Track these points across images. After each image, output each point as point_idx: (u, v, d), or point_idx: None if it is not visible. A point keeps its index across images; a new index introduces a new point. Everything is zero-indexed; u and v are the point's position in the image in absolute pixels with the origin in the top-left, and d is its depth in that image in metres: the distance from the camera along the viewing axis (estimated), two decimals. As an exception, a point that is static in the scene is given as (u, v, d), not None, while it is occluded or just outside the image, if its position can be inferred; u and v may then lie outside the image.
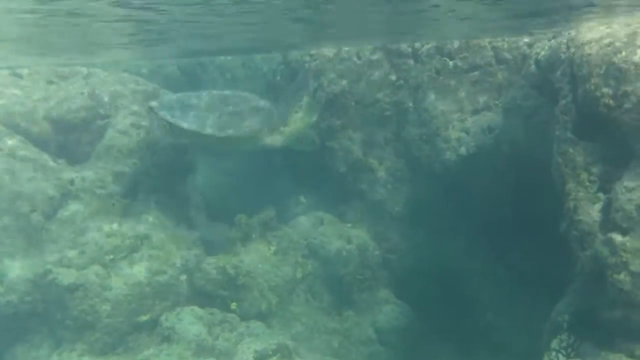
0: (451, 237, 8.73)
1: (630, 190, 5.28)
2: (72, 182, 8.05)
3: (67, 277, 7.48)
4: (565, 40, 6.32)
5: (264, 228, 8.94)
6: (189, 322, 7.51)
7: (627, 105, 5.33)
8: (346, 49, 9.36)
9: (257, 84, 10.80)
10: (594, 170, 5.71)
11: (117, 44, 7.75)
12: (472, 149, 8.27)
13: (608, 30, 5.72)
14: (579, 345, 5.81)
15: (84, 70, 9.12)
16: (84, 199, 8.00)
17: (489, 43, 8.50)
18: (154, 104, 8.30)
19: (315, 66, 9.38)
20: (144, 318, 7.71)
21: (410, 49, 9.01)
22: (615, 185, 5.45)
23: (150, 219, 8.35)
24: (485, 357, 7.70)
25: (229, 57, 11.12)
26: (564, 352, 5.86)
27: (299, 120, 8.60)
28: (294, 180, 9.75)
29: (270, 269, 8.56)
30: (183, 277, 8.09)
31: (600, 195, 5.64)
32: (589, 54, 5.65)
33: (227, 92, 8.76)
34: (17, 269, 7.49)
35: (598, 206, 5.61)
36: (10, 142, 8.00)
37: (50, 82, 8.88)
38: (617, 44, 5.50)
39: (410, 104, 9.07)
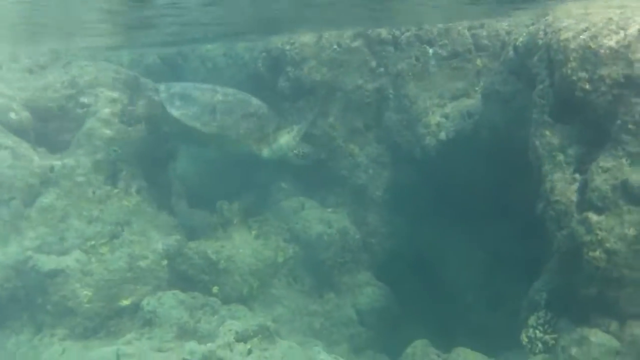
0: (431, 220, 8.81)
1: (605, 170, 5.40)
2: (52, 169, 8.03)
3: (47, 263, 7.47)
4: (542, 27, 6.44)
5: (245, 214, 8.99)
6: (171, 305, 7.53)
7: (602, 89, 5.46)
8: (326, 36, 9.40)
9: (239, 73, 10.81)
10: (571, 152, 5.83)
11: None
12: (452, 134, 8.37)
13: (584, 16, 5.84)
14: (556, 322, 5.94)
15: (63, 58, 9.08)
16: (65, 186, 7.98)
17: (469, 30, 8.61)
18: (161, 87, 8.60)
19: (296, 55, 9.43)
20: (125, 303, 7.73)
21: (390, 36, 9.09)
22: (591, 166, 5.56)
23: (131, 205, 8.35)
24: (464, 337, 7.78)
25: (210, 46, 11.11)
26: (541, 328, 5.98)
27: (285, 140, 8.82)
28: (275, 167, 9.79)
29: (251, 253, 8.61)
30: (164, 262, 8.11)
31: (577, 176, 5.75)
32: (566, 39, 5.76)
33: (229, 90, 8.91)
34: (-3, 256, 7.49)
35: (574, 187, 5.73)
36: (-11, 130, 7.99)
37: (30, 71, 8.84)
38: (593, 29, 5.63)
39: (391, 91, 9.15)
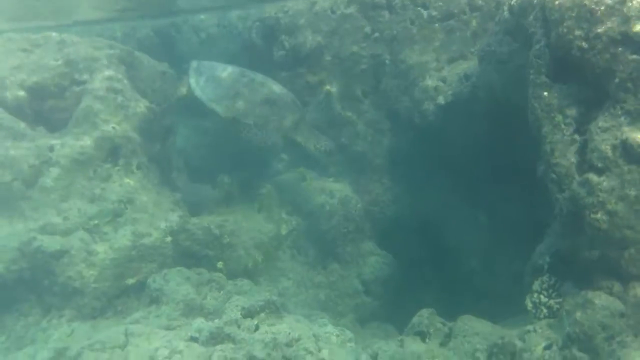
0: (432, 186, 8.80)
1: (605, 130, 5.34)
2: (51, 149, 7.99)
3: (52, 243, 7.44)
4: (537, -15, 6.32)
5: (246, 187, 8.97)
6: (177, 283, 7.53)
7: (599, 47, 5.36)
8: (320, 2, 9.30)
9: (233, 43, 10.71)
10: (569, 112, 5.76)
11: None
12: (450, 97, 8.30)
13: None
14: (560, 286, 5.94)
15: (57, 36, 8.99)
16: (65, 166, 7.93)
17: (462, -10, 8.52)
18: (192, 64, 8.61)
19: (290, 23, 9.34)
20: (131, 281, 7.73)
21: (384, 0, 8.98)
22: (590, 126, 5.51)
23: (132, 182, 8.31)
24: (469, 302, 7.82)
25: (203, 16, 11.00)
26: (545, 292, 5.98)
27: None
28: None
29: (254, 226, 8.61)
30: (168, 239, 8.09)
31: (576, 137, 5.69)
32: (561, -3, 5.66)
33: (258, 76, 8.79)
34: (1, 238, 7.47)
35: (574, 148, 5.67)
36: (-14, 111, 7.95)
37: (24, 50, 8.76)
38: (588, -15, 5.52)
39: (387, 56, 9.08)
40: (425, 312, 6.95)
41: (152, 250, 7.92)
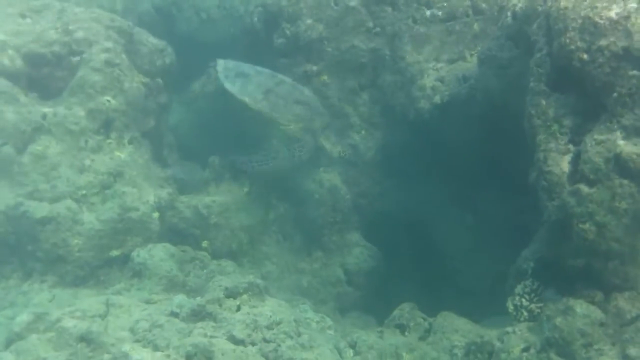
0: (422, 183, 8.86)
1: (599, 143, 5.42)
2: (44, 116, 7.95)
3: (38, 210, 7.43)
4: (543, -7, 6.39)
5: (236, 169, 8.97)
6: (161, 258, 7.55)
7: (600, 60, 5.43)
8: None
9: (233, 26, 10.71)
10: (566, 122, 5.83)
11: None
12: (446, 97, 8.34)
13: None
14: (542, 291, 6.03)
15: (58, 4, 8.94)
16: (57, 134, 7.90)
17: (467, -7, 8.57)
18: (220, 62, 8.63)
19: (292, 11, 9.34)
20: (115, 253, 7.74)
21: (388, -4, 9.03)
22: (585, 137, 5.58)
23: (123, 156, 8.30)
24: (450, 300, 7.89)
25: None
26: (527, 297, 6.07)
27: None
28: (267, 122, 9.77)
29: (242, 209, 8.62)
30: (155, 215, 8.10)
31: (570, 147, 5.77)
32: (566, 8, 5.71)
33: (286, 78, 8.85)
34: (-13, 201, 7.47)
35: (567, 158, 5.75)
36: (-19, 75, 7.90)
37: (22, 16, 8.70)
38: (594, -2, 5.59)
39: (387, 52, 9.10)
40: (406, 306, 7.04)
41: (139, 224, 7.93)
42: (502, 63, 7.24)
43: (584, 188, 5.42)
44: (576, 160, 5.64)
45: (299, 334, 6.22)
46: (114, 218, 7.75)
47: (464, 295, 8.53)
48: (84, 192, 7.77)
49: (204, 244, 8.30)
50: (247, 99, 8.34)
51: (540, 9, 6.31)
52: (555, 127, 5.86)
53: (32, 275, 7.53)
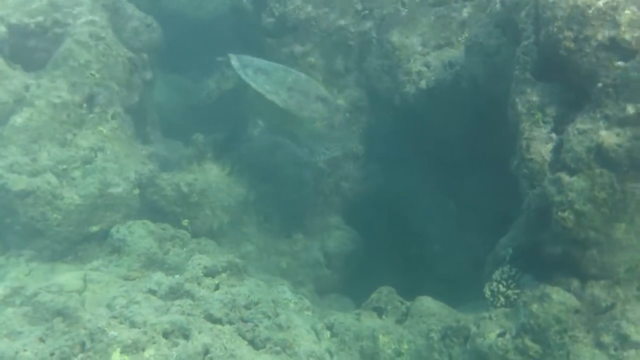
0: (404, 168, 8.88)
1: (582, 132, 5.43)
2: (27, 88, 7.86)
3: (17, 183, 7.33)
4: (531, -19, 6.37)
5: (219, 148, 8.93)
6: (140, 235, 7.51)
7: (587, 50, 5.43)
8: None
9: (222, 5, 10.63)
10: (549, 111, 5.85)
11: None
12: (432, 83, 8.34)
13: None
14: (520, 277, 6.06)
15: (43, -26, 8.81)
16: (39, 107, 7.80)
17: (457, -21, 8.54)
18: (233, 58, 8.38)
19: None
20: (94, 229, 7.69)
21: (377, -21, 8.98)
22: (568, 127, 5.60)
23: (106, 131, 8.22)
24: (430, 286, 7.93)
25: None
26: (504, 282, 6.10)
27: None
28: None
29: (223, 188, 8.58)
30: (136, 191, 8.05)
31: (553, 135, 5.78)
32: (555, -4, 5.71)
33: (300, 73, 8.68)
34: (-35, 173, 7.37)
35: (550, 146, 5.76)
36: (-37, 43, 7.80)
37: (8, -15, 8.58)
38: (583, -13, 5.58)
39: (374, 35, 9.08)
40: (384, 289, 7.07)
41: (119, 200, 7.88)
42: (488, 50, 7.23)
43: (565, 177, 5.43)
44: (558, 149, 5.66)
45: (277, 315, 6.23)
46: (94, 193, 7.69)
47: (442, 280, 8.58)
48: (64, 166, 7.69)
49: (185, 222, 8.25)
50: (275, 99, 8.19)
51: (529, -4, 6.30)
52: (538, 115, 5.87)
53: (9, 249, 7.46)
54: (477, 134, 7.69)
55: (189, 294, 6.25)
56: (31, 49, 8.29)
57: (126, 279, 6.91)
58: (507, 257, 6.28)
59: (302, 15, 9.20)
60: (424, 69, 8.49)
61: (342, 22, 9.19)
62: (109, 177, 7.86)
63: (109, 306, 6.06)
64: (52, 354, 5.22)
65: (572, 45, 5.52)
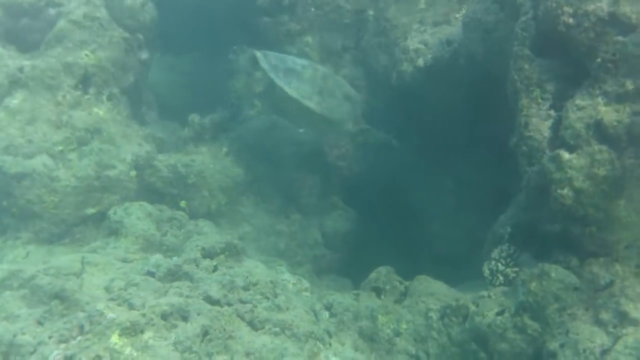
0: (403, 147, 8.82)
1: (580, 108, 5.39)
2: (21, 69, 7.80)
3: (14, 165, 7.30)
4: (529, -44, 6.29)
5: (216, 129, 8.88)
6: (138, 217, 7.47)
7: (585, 25, 5.38)
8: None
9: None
10: (548, 87, 5.79)
11: None
12: (430, 61, 8.27)
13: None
14: (518, 256, 6.05)
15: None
16: (34, 88, 7.76)
17: (454, -45, 8.45)
18: (260, 56, 8.10)
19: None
20: (91, 211, 7.65)
21: (374, -44, 8.89)
22: (567, 103, 5.55)
23: (101, 113, 8.18)
24: (428, 265, 7.92)
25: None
26: (503, 261, 6.09)
27: None
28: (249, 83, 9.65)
29: (221, 169, 8.55)
30: (133, 173, 8.01)
31: (552, 112, 5.74)
32: (554, -29, 5.63)
33: (324, 68, 8.56)
34: (-39, 155, 7.33)
35: (548, 123, 5.72)
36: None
37: (0, -36, 8.49)
38: (581, -38, 5.51)
39: (371, 13, 9.02)
40: (383, 269, 7.04)
41: (116, 182, 7.85)
42: (487, 27, 7.15)
43: (564, 154, 5.39)
44: (557, 125, 5.62)
45: (275, 295, 6.20)
46: (90, 175, 7.65)
47: (441, 260, 8.58)
48: (60, 148, 7.66)
49: (182, 203, 8.22)
50: (311, 104, 8.02)
51: (527, -29, 6.21)
52: (537, 92, 5.82)
53: (6, 232, 7.43)
54: (475, 111, 7.64)
55: (187, 276, 6.22)
56: (25, 29, 8.23)
57: (124, 261, 6.87)
58: (506, 235, 6.26)
59: (298, -7, 9.13)
60: (422, 46, 8.41)
61: (339, 0, 9.10)
62: (105, 158, 7.83)
63: (107, 289, 6.03)
64: (50, 337, 5.18)
65: (571, 20, 5.46)
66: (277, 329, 5.69)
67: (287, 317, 5.89)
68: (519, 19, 6.17)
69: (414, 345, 6.30)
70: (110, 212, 7.53)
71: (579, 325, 5.31)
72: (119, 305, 5.62)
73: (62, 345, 5.06)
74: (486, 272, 6.19)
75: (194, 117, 8.83)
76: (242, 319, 5.81)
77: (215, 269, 6.44)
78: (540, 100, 5.80)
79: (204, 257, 6.55)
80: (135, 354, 4.96)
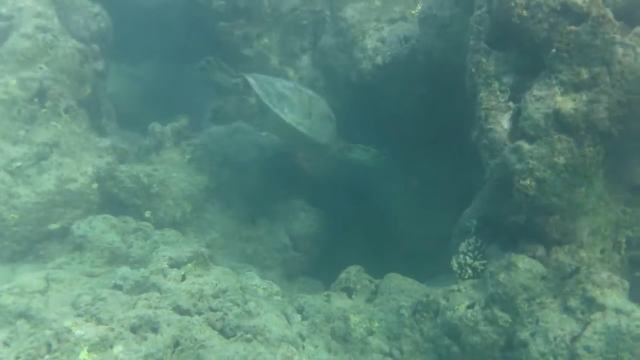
0: (365, 146, 8.84)
1: (538, 99, 5.43)
2: (-28, 85, 7.66)
3: (-30, 185, 7.19)
4: (482, -50, 6.33)
5: (178, 136, 8.80)
6: (102, 230, 7.37)
7: (539, 16, 5.42)
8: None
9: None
10: (506, 80, 5.82)
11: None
12: (388, 58, 8.30)
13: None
14: (485, 248, 6.09)
15: (-18, -34, 8.56)
16: (-14, 105, 7.62)
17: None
18: (252, 81, 7.94)
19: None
20: (54, 226, 7.53)
21: (328, -44, 8.89)
22: (525, 94, 5.59)
23: (59, 126, 8.05)
24: (397, 263, 7.93)
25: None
26: (471, 254, 6.12)
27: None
28: (208, 89, 9.58)
29: (184, 177, 8.48)
30: (95, 186, 7.90)
31: (511, 104, 5.76)
32: (505, -36, 5.67)
33: (308, 90, 8.46)
34: None
35: (508, 115, 5.75)
36: None
37: (-54, -20, 8.32)
38: (532, -46, 5.55)
39: (328, 13, 9.00)
40: (352, 269, 7.04)
41: (78, 196, 7.74)
42: (442, 22, 7.21)
43: (525, 145, 5.43)
44: (516, 117, 5.65)
45: (246, 302, 6.15)
46: (51, 190, 7.53)
47: (409, 256, 8.60)
48: (18, 164, 7.51)
49: (147, 214, 8.13)
50: (303, 130, 7.95)
51: (479, -35, 6.25)
52: (495, 84, 5.85)
53: (-33, 252, 7.30)
54: (436, 107, 7.69)
55: (155, 287, 6.13)
56: (-25, 44, 8.06)
57: (90, 275, 6.78)
58: (472, 228, 6.29)
59: (253, -4, 9.08)
60: (380, 44, 8.44)
61: (294, 1, 9.08)
62: (65, 172, 7.71)
63: (74, 304, 5.92)
64: (17, 357, 5.08)
65: (524, 12, 5.50)
66: (249, 336, 5.65)
67: (258, 322, 5.84)
68: (474, 13, 6.20)
69: (387, 343, 6.31)
70: (74, 227, 7.41)
71: (548, 314, 5.37)
72: (86, 320, 5.54)
73: (30, 365, 4.98)
74: (455, 266, 6.21)
75: (155, 126, 8.75)
76: (213, 327, 5.75)
77: (183, 278, 6.36)
78: (498, 93, 5.83)
79: (172, 267, 6.46)
80: (105, 369, 4.90)
